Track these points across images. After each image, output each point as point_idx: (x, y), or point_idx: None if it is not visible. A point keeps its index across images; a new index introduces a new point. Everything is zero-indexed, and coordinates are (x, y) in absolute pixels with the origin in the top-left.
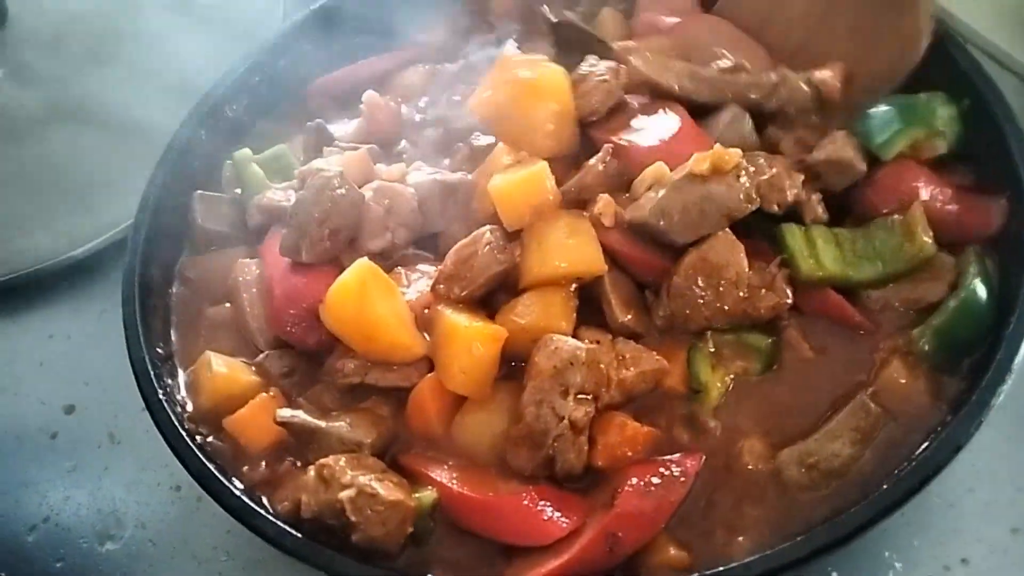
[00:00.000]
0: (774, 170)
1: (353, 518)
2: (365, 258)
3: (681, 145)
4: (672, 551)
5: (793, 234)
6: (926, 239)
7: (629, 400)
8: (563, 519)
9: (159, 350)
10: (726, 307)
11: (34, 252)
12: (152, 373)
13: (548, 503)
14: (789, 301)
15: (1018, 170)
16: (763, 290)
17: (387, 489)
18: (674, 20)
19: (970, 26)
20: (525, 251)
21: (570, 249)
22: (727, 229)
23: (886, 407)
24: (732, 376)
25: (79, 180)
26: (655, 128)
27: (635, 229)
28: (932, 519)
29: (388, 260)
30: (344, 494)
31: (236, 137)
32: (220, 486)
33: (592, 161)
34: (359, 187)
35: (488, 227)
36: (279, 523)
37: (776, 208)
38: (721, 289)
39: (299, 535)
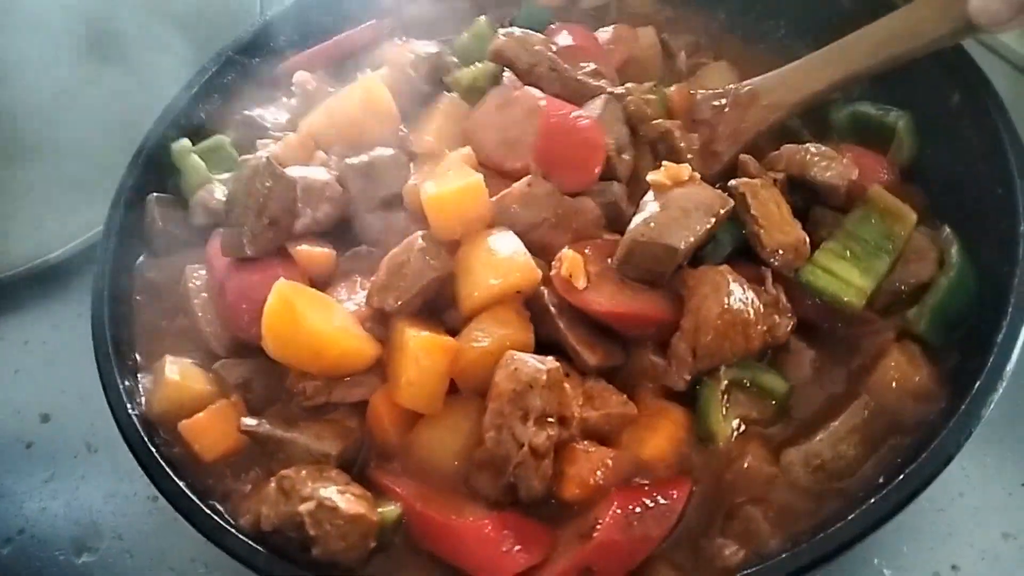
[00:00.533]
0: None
1: (312, 532)
2: (281, 279)
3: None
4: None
5: (816, 275)
6: (906, 209)
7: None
8: (522, 554)
9: (130, 362)
10: (752, 346)
11: (6, 258)
12: (122, 387)
13: (511, 534)
14: (791, 318)
15: (1009, 163)
16: (776, 316)
17: (348, 503)
18: None
19: None
20: (458, 280)
21: (500, 264)
22: (722, 268)
23: (885, 402)
24: (740, 423)
25: (51, 185)
26: None
27: (623, 270)
28: (922, 525)
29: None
30: (303, 507)
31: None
32: (191, 504)
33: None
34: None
35: (419, 233)
36: (249, 542)
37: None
38: (745, 331)
39: (264, 551)
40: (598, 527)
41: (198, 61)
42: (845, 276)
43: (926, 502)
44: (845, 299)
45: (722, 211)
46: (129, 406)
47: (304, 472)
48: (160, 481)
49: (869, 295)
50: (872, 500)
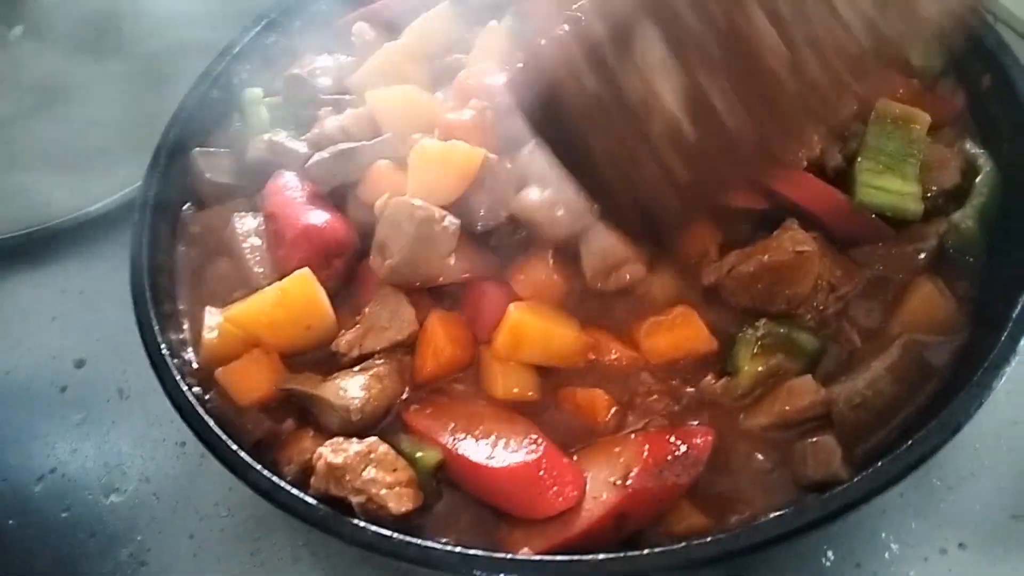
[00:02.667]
0: None
1: (363, 515)
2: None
3: None
4: (694, 518)
5: (870, 194)
6: (916, 111)
7: None
8: (561, 495)
9: (166, 307)
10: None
11: (48, 209)
12: (157, 329)
13: (547, 476)
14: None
15: None
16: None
17: (397, 500)
18: None
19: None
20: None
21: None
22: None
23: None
24: (765, 368)
25: (94, 139)
26: None
27: None
28: (931, 502)
29: None
30: (355, 499)
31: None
32: (219, 441)
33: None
34: None
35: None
36: (274, 479)
37: None
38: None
39: (293, 491)
40: (631, 476)
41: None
42: (894, 188)
43: (936, 480)
44: (906, 208)
45: None
46: (163, 346)
47: (352, 453)
48: (190, 419)
49: (916, 197)
50: (879, 464)
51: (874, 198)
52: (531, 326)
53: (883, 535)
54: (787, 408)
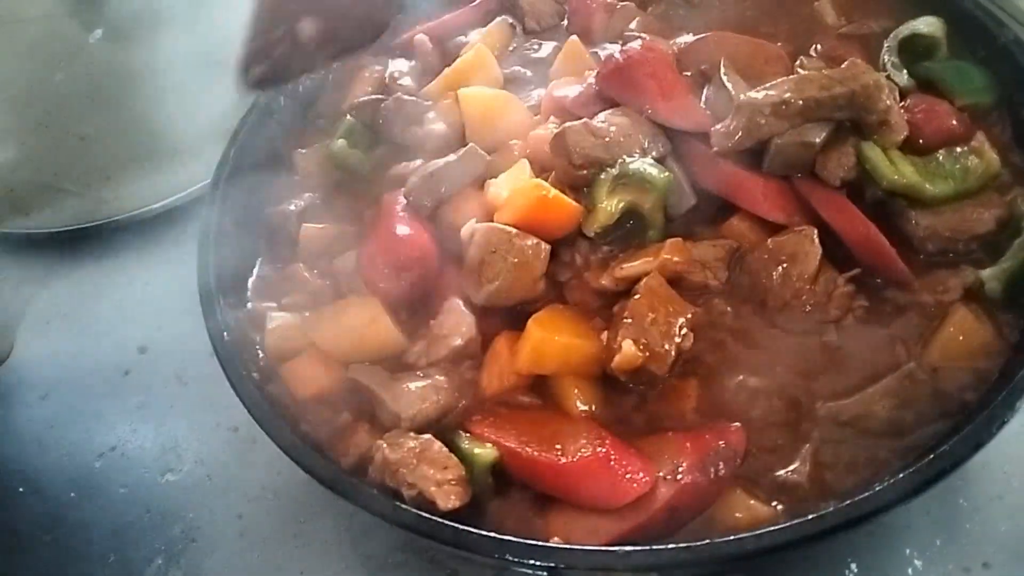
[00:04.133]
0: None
1: (412, 507)
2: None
3: None
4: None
5: (872, 147)
6: (994, 155)
7: None
8: (635, 481)
9: (230, 300)
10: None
11: (121, 202)
12: (221, 319)
13: (620, 463)
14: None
15: None
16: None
17: (445, 498)
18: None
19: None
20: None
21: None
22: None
23: (942, 364)
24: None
25: (165, 138)
26: None
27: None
28: (957, 521)
29: None
30: (407, 492)
31: (310, 108)
32: (271, 420)
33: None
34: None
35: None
36: (319, 458)
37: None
38: (787, 279)
39: (340, 473)
40: (680, 470)
41: None
42: (901, 167)
43: (963, 500)
44: (882, 170)
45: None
46: (226, 335)
47: (406, 450)
48: (245, 397)
49: (907, 188)
50: (901, 475)
51: (871, 150)
52: (551, 342)
53: (907, 551)
54: None
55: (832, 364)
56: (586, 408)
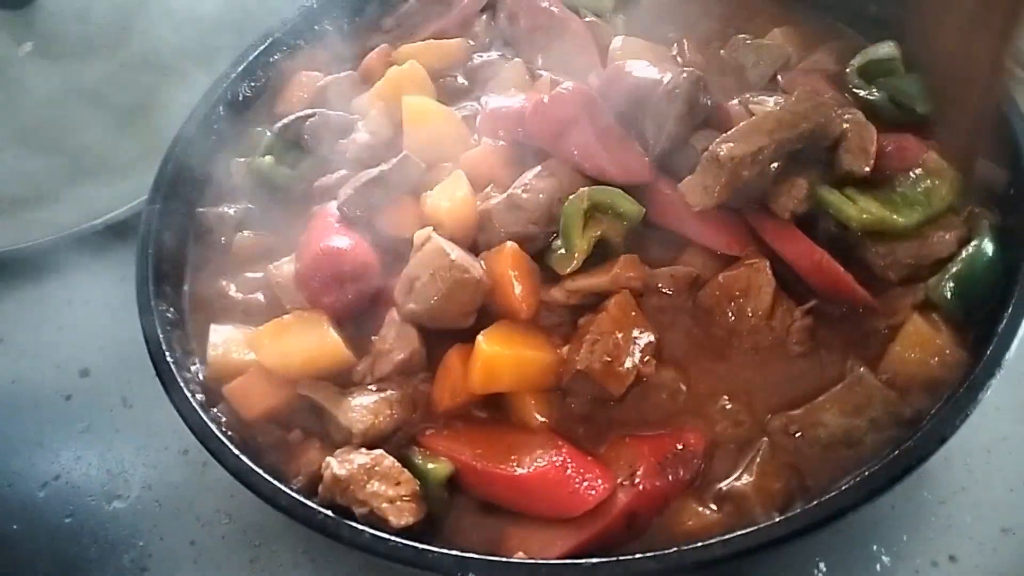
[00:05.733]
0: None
1: (364, 524)
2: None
3: None
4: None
5: (829, 191)
6: (952, 171)
7: None
8: (593, 488)
9: (168, 315)
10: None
11: (56, 222)
12: (163, 340)
13: (577, 471)
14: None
15: None
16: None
17: (398, 514)
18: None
19: None
20: None
21: None
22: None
23: (899, 375)
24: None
25: (101, 154)
26: None
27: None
28: (922, 515)
29: None
30: (358, 510)
31: (255, 111)
32: (220, 445)
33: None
34: None
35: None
36: (274, 483)
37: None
38: (742, 315)
39: (294, 496)
40: (637, 474)
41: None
42: (863, 204)
43: (927, 494)
44: (847, 212)
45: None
46: (168, 356)
47: (356, 466)
48: (191, 422)
49: (877, 223)
50: (866, 472)
51: (830, 195)
52: (503, 357)
53: (874, 547)
54: None
55: (787, 380)
56: (544, 420)
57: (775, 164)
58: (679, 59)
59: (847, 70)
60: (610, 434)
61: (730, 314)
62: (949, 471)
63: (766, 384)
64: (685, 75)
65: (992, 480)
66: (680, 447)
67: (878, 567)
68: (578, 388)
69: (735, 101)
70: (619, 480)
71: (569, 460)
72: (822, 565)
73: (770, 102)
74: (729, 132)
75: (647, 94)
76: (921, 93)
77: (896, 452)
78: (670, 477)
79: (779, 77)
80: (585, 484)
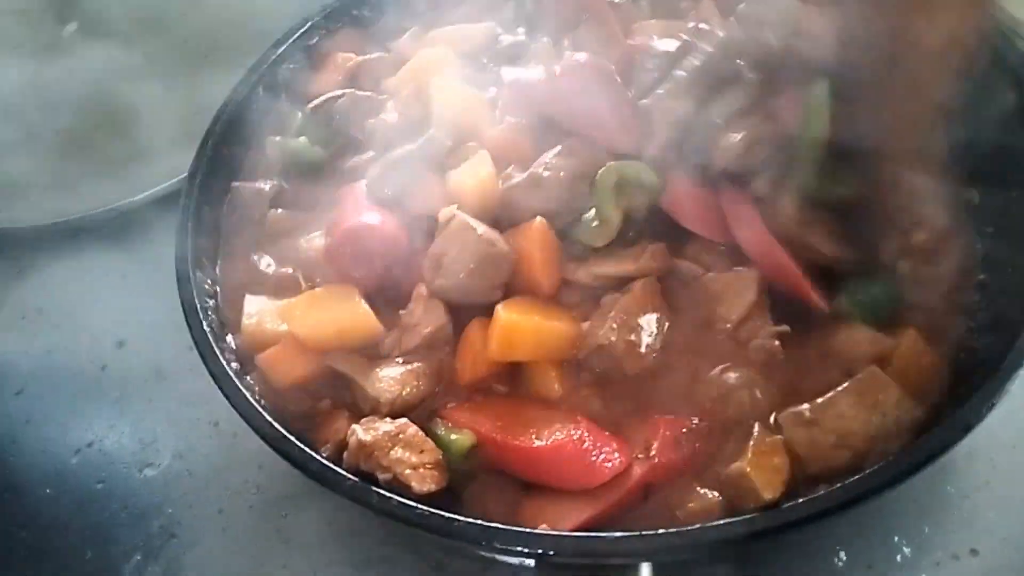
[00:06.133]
0: None
1: (386, 490)
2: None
3: None
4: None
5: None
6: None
7: None
8: (610, 461)
9: (206, 286)
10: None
11: (98, 196)
12: (199, 306)
13: (595, 445)
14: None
15: None
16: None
17: (420, 481)
18: None
19: None
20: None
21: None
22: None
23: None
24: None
25: (146, 131)
26: None
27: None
28: (945, 509)
29: None
30: (381, 476)
31: (293, 92)
32: (255, 412)
33: None
34: None
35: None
36: (306, 449)
37: None
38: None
39: (325, 462)
40: (654, 448)
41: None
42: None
43: (951, 487)
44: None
45: None
46: (205, 325)
47: (381, 433)
48: (226, 389)
49: None
50: (890, 459)
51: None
52: (522, 325)
53: (896, 538)
54: None
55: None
56: (562, 393)
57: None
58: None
59: None
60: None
61: (703, 313)
62: (973, 466)
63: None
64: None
65: (1016, 476)
66: (696, 422)
67: (899, 558)
68: (594, 363)
69: None
70: (636, 454)
71: (586, 433)
72: (842, 554)
73: None
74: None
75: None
76: None
77: (921, 439)
78: (686, 450)
79: None
80: (602, 457)
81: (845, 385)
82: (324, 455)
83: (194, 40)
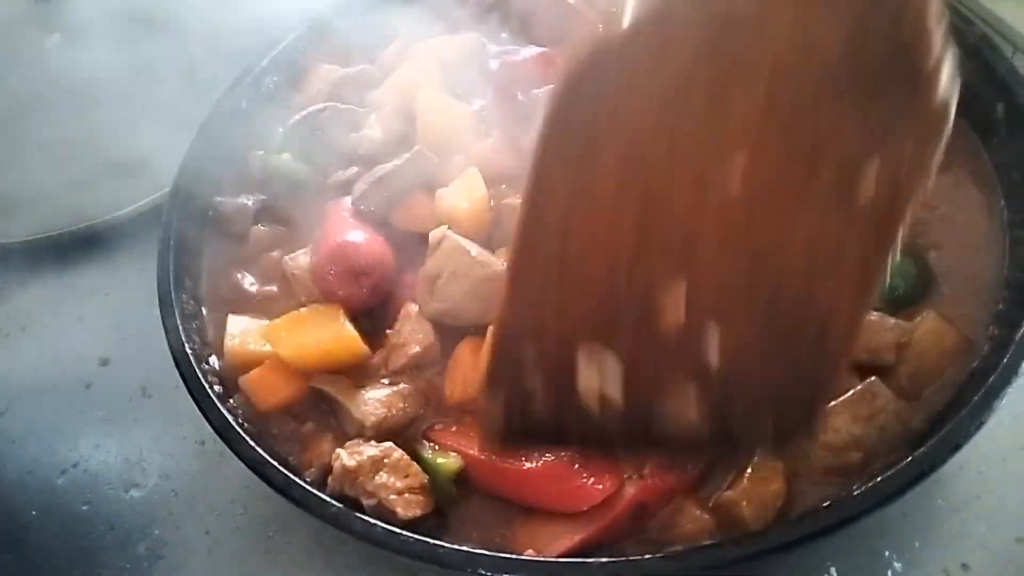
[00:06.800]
0: None
1: (372, 516)
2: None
3: None
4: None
5: None
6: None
7: None
8: (600, 483)
9: (190, 310)
10: None
11: (79, 212)
12: (181, 331)
13: (584, 466)
14: None
15: None
16: None
17: (406, 506)
18: None
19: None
20: None
21: None
22: None
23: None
24: None
25: (126, 145)
26: None
27: None
28: (935, 523)
29: None
30: (366, 502)
31: (276, 105)
32: (237, 437)
33: None
34: None
35: None
36: (288, 474)
37: None
38: None
39: (307, 487)
40: (646, 468)
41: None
42: None
43: (941, 501)
44: None
45: None
46: (187, 346)
47: (365, 458)
48: (209, 413)
49: None
50: (879, 479)
51: None
52: None
53: (887, 553)
54: None
55: None
56: None
57: None
58: None
59: None
60: None
61: None
62: (964, 479)
63: None
64: None
65: (1007, 490)
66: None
67: (889, 573)
68: None
69: None
70: (627, 474)
71: (577, 454)
72: (833, 570)
73: None
74: None
75: None
76: None
77: (910, 458)
78: (678, 471)
79: None
80: (592, 479)
81: (844, 399)
82: (308, 479)
83: (177, 54)
